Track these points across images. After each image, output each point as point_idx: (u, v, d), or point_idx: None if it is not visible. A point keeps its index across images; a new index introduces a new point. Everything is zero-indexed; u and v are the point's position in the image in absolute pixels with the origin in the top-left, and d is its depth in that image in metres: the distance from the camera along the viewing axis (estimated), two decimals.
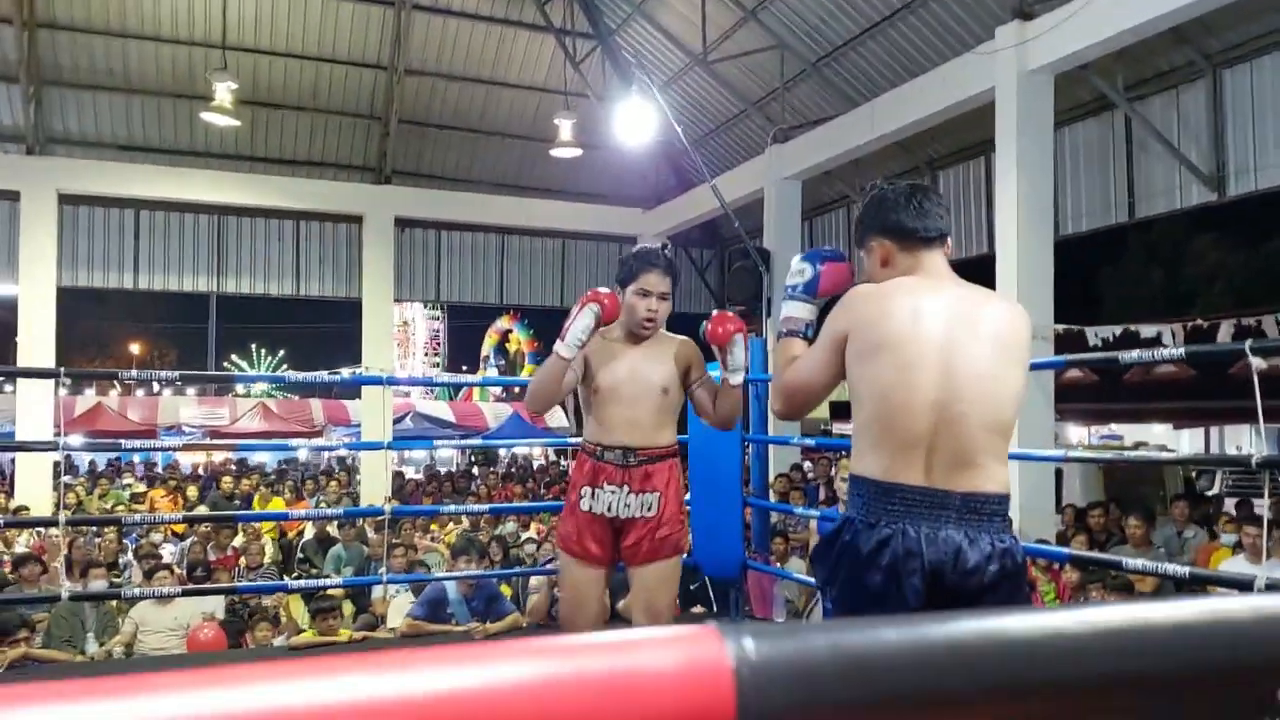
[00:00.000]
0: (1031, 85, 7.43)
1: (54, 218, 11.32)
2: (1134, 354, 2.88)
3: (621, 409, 2.91)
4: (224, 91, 9.92)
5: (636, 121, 10.11)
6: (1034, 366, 6.53)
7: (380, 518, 7.34)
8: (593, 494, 2.93)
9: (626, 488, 2.90)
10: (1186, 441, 15.81)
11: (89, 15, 10.84)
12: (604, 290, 2.84)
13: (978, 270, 10.35)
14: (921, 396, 1.91)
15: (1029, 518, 6.85)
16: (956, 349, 1.93)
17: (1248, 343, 2.38)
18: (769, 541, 5.80)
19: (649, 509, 2.90)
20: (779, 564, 6.15)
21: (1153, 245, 24.72)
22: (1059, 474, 8.64)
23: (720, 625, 0.34)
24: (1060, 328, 7.81)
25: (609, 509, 2.92)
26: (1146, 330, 10.94)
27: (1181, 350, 2.77)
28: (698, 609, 5.51)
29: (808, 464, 10.62)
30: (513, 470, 16.26)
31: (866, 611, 1.92)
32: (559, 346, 2.81)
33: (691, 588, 5.61)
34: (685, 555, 3.32)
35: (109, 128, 11.77)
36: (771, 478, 7.93)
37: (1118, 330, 10.84)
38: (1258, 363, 2.35)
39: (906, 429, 1.92)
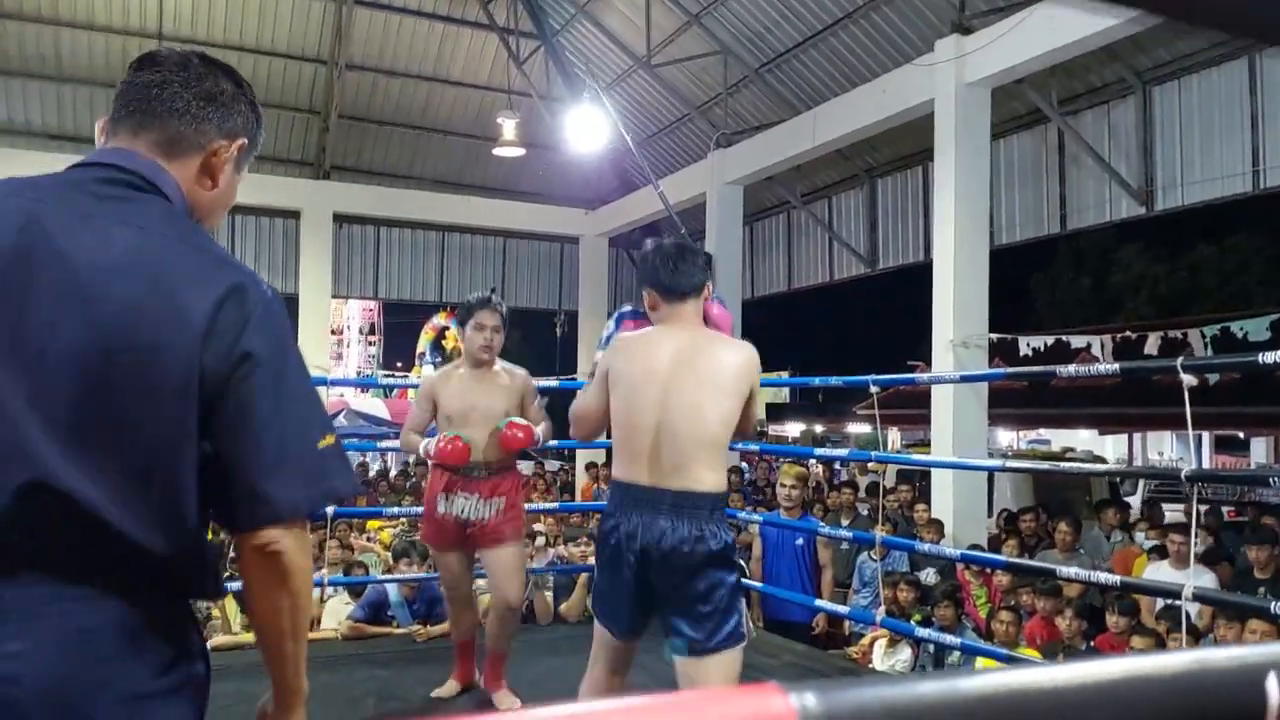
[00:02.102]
0: (969, 98, 7.60)
1: None
2: (1070, 368, 2.98)
3: (470, 432, 3.52)
4: None
5: (586, 127, 10.12)
6: (973, 378, 6.69)
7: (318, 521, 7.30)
8: (448, 499, 3.58)
9: (478, 495, 3.55)
10: (1111, 447, 16.31)
11: (20, 2, 10.50)
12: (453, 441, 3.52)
13: (915, 278, 10.59)
14: (646, 419, 2.49)
15: (962, 522, 7.02)
16: (674, 383, 2.50)
17: (1179, 360, 2.49)
18: None
19: (497, 511, 3.57)
20: None
21: (1080, 254, 25.45)
22: (990, 479, 8.86)
23: (779, 682, 0.37)
24: (994, 336, 8.00)
25: (461, 512, 3.56)
26: (1076, 340, 11.26)
27: (1116, 366, 2.88)
28: None
29: (745, 465, 10.73)
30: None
31: (603, 575, 2.60)
32: (423, 447, 3.62)
33: None
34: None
35: (39, 116, 11.42)
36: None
37: (1049, 340, 11.14)
38: (1188, 379, 2.46)
39: (636, 442, 2.51)
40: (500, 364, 3.70)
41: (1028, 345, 10.88)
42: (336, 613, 5.54)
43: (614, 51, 11.71)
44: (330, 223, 12.61)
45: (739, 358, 2.57)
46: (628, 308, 3.00)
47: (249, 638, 5.01)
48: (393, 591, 5.21)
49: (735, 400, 2.52)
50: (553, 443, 3.74)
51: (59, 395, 1.15)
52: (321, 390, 12.38)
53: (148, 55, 1.36)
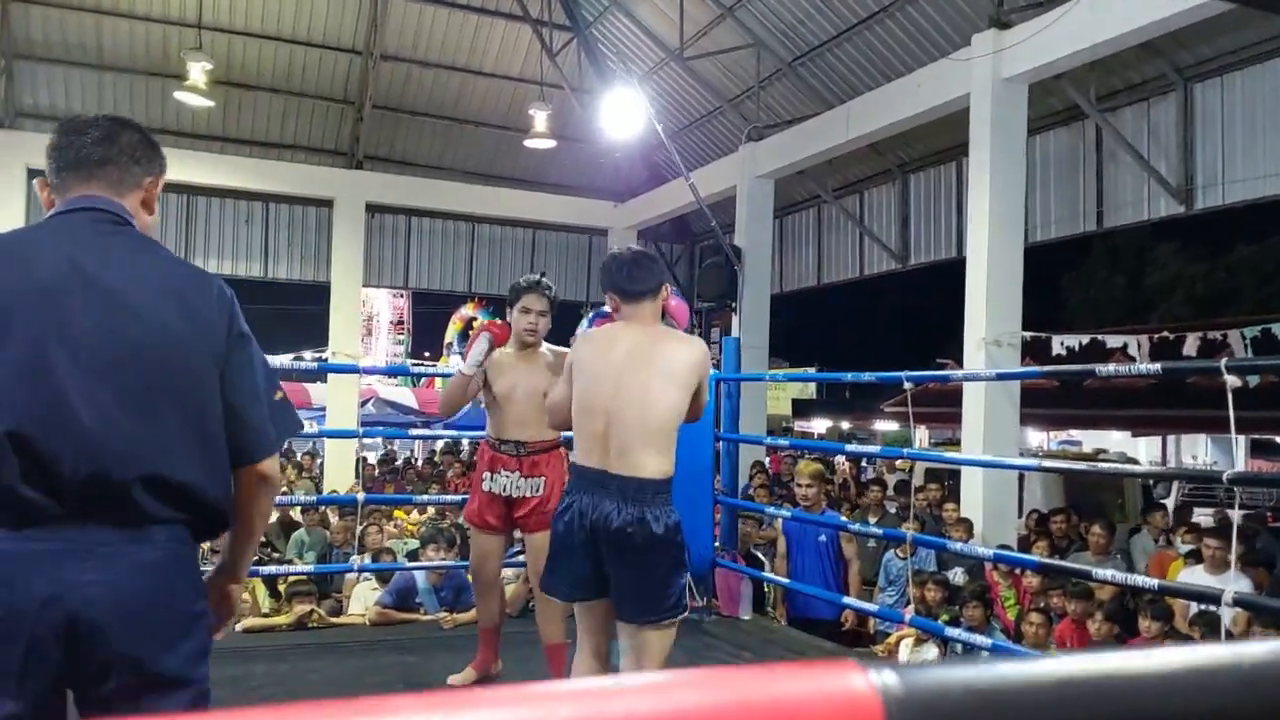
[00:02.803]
0: (1006, 93, 7.52)
1: (23, 193, 11.11)
2: (1110, 368, 2.94)
3: (513, 410, 3.67)
4: (198, 72, 9.77)
5: (620, 116, 10.10)
6: (1009, 376, 6.63)
7: (344, 505, 7.37)
8: (491, 478, 3.71)
9: (518, 473, 3.67)
10: (1144, 449, 16.12)
11: None
12: (498, 322, 3.72)
13: (946, 275, 10.50)
14: (598, 406, 2.73)
15: (991, 522, 6.96)
16: (625, 376, 2.72)
17: (1223, 361, 2.45)
18: (737, 539, 5.84)
19: (536, 490, 3.68)
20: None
21: (1115, 253, 25.12)
22: (1020, 479, 8.78)
23: (858, 659, 0.36)
24: (1027, 335, 7.91)
25: (504, 490, 3.69)
26: (1112, 340, 11.11)
27: (1158, 366, 2.84)
28: None
29: (767, 461, 10.70)
30: (475, 460, 16.13)
31: (553, 546, 2.84)
32: (461, 366, 3.74)
33: None
34: None
35: (80, 103, 11.55)
36: (746, 476, 7.98)
37: (1084, 339, 11.00)
38: (1232, 380, 2.42)
39: (589, 429, 2.74)
40: (545, 345, 3.82)
41: (1061, 344, 10.75)
42: (364, 598, 5.58)
43: (646, 44, 11.68)
44: (363, 212, 12.69)
45: (688, 353, 2.82)
46: (603, 309, 3.22)
47: (280, 620, 5.06)
48: (420, 578, 5.24)
49: (683, 392, 2.76)
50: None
51: (126, 377, 1.55)
52: (352, 378, 12.45)
53: (71, 122, 1.73)
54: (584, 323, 3.28)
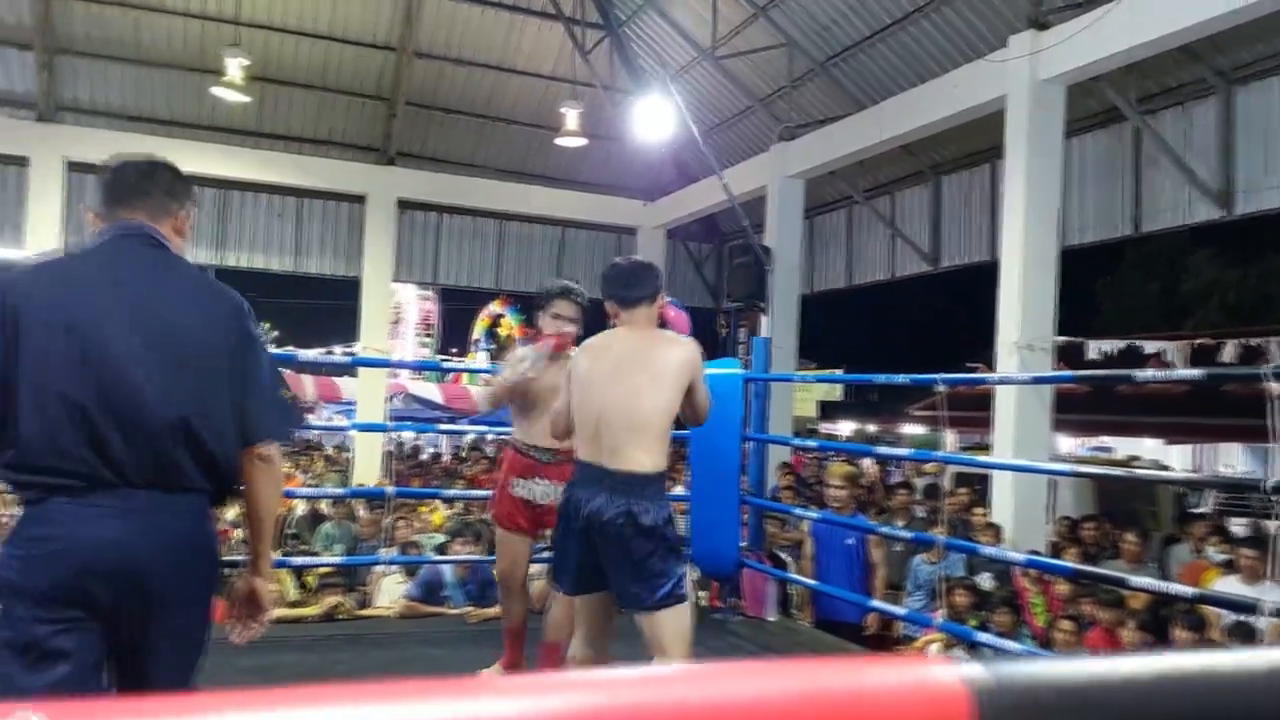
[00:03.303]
0: (1043, 95, 7.44)
1: (61, 185, 11.28)
2: (1149, 373, 2.89)
3: (541, 416, 3.62)
4: (235, 67, 9.87)
5: (653, 115, 10.09)
6: (1045, 380, 6.55)
7: (373, 499, 7.42)
8: (522, 483, 3.73)
9: (549, 480, 3.67)
10: (1177, 457, 15.90)
11: None
12: (568, 331, 3.75)
13: (978, 278, 10.41)
14: (592, 408, 2.90)
15: (1021, 528, 6.89)
16: (617, 378, 2.88)
17: (1266, 368, 2.41)
18: (764, 540, 5.81)
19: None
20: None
21: (1150, 258, 24.80)
22: (1051, 485, 8.68)
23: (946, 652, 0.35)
24: (1061, 340, 7.82)
25: (537, 497, 3.70)
26: (1149, 346, 10.97)
27: (1199, 372, 2.79)
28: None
29: (793, 463, 10.64)
30: (500, 455, 16.22)
31: (557, 539, 3.03)
32: (527, 369, 3.69)
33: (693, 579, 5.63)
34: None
35: (119, 98, 11.72)
36: (775, 477, 7.94)
37: (1120, 345, 10.87)
38: (1275, 388, 2.38)
39: (584, 427, 2.92)
40: (575, 350, 3.79)
41: (1097, 350, 10.63)
42: (391, 591, 5.62)
43: (679, 43, 11.67)
44: (394, 208, 12.77)
45: (679, 354, 2.95)
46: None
47: (309, 611, 5.10)
48: (447, 572, 5.26)
49: (674, 392, 2.90)
50: None
51: (175, 370, 1.91)
52: (381, 373, 12.50)
53: (119, 162, 2.12)
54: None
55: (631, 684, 0.40)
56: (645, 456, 2.85)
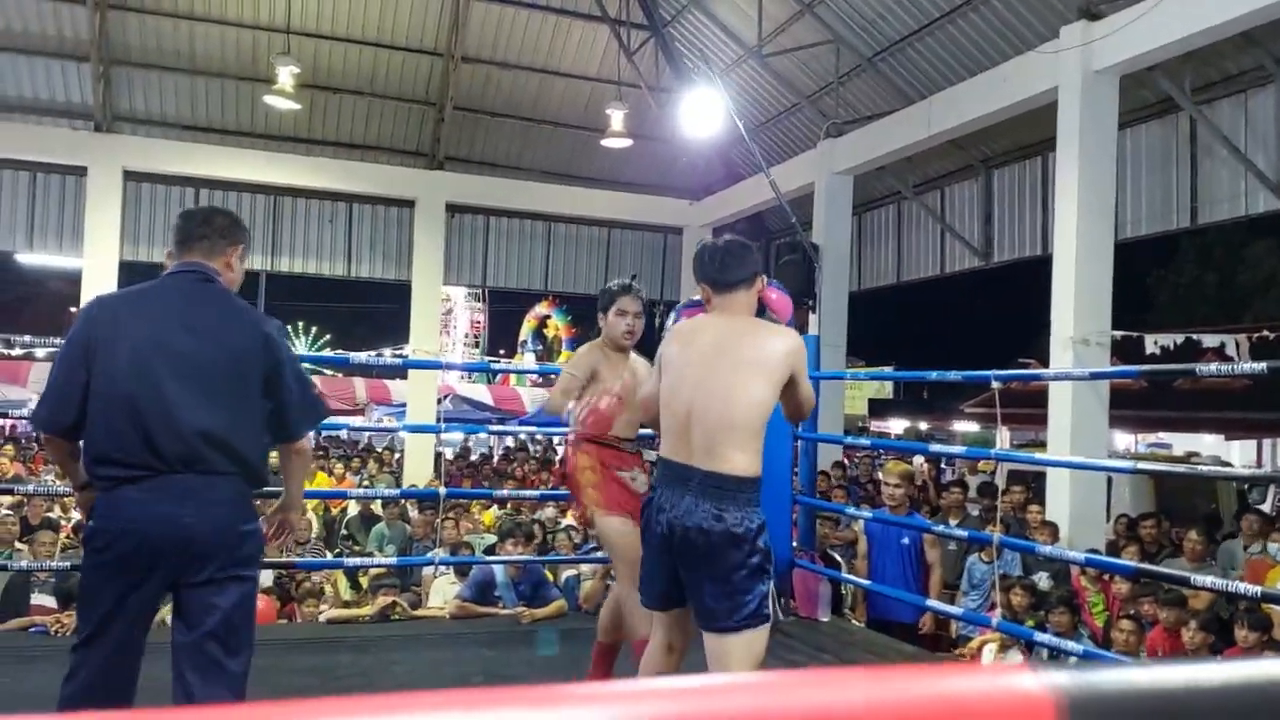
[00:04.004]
0: (1096, 86, 7.32)
1: (119, 193, 11.58)
2: (1211, 367, 2.83)
3: (629, 411, 3.56)
4: (286, 75, 10.04)
5: (700, 114, 10.07)
6: (1103, 375, 6.43)
7: (424, 500, 7.50)
8: (631, 475, 3.60)
9: (642, 472, 3.64)
10: (1238, 453, 15.53)
11: None
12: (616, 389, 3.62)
13: (1030, 272, 10.26)
14: (682, 401, 2.64)
15: (1078, 527, 6.78)
16: (710, 369, 2.62)
17: None
18: (815, 540, 5.78)
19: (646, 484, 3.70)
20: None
21: (1207, 249, 24.25)
22: (1108, 482, 8.53)
23: (1029, 660, 0.36)
24: (1118, 334, 7.68)
25: (638, 485, 3.60)
26: (1208, 339, 10.72)
27: (1263, 365, 2.72)
28: None
29: (846, 462, 10.56)
30: (549, 455, 16.31)
31: (643, 544, 2.83)
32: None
33: None
34: None
35: (174, 107, 11.97)
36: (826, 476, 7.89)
37: (1178, 338, 10.64)
38: None
39: (672, 422, 2.67)
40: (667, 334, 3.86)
41: (1155, 344, 10.41)
42: (443, 591, 5.67)
43: (724, 41, 11.65)
44: (443, 212, 12.90)
45: (779, 344, 2.68)
46: (690, 300, 3.19)
47: (363, 611, 5.17)
48: (499, 572, 5.29)
49: (770, 385, 2.62)
50: (650, 431, 3.76)
51: (206, 384, 2.35)
52: (432, 375, 12.65)
53: (186, 212, 2.65)
54: (672, 314, 3.25)
55: (709, 692, 0.40)
56: (741, 457, 2.55)
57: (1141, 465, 4.96)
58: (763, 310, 2.91)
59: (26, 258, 14.85)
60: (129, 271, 12.12)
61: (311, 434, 2.68)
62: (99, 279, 11.29)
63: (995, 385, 4.09)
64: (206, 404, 2.32)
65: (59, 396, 2.38)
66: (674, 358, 2.74)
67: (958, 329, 27.88)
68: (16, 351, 24.54)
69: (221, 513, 2.33)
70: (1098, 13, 7.30)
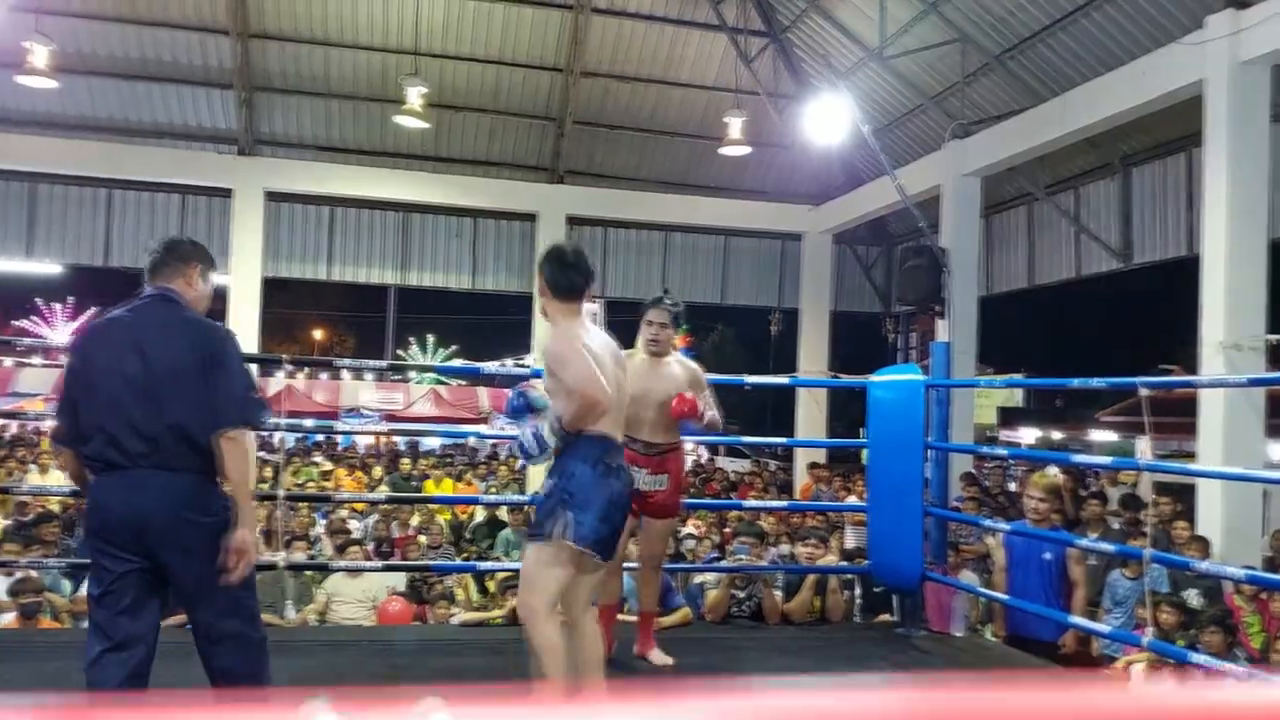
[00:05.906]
0: (1245, 77, 6.95)
1: (261, 213, 12.18)
2: None
3: (640, 412, 3.89)
4: (415, 95, 10.38)
5: (824, 119, 9.95)
6: (1262, 382, 6.08)
7: None
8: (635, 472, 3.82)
9: (647, 470, 3.94)
10: None
11: (296, 25, 11.59)
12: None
13: (1174, 274, 9.76)
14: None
15: (1231, 542, 6.42)
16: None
17: None
18: (947, 553, 5.62)
19: (661, 485, 4.02)
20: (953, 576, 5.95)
21: None
22: (1264, 495, 8.02)
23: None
24: (1273, 338, 7.24)
25: (634, 484, 3.73)
26: None
27: None
28: (885, 616, 5.41)
29: (976, 472, 10.23)
30: None
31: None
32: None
33: (875, 590, 5.52)
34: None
35: (310, 130, 12.54)
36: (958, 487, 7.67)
37: None
38: None
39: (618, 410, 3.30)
40: (675, 356, 4.18)
41: None
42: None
43: (844, 44, 11.49)
44: (563, 224, 13.10)
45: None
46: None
47: (494, 614, 5.28)
48: (627, 580, 5.31)
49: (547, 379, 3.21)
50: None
51: (154, 394, 2.74)
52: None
53: (154, 245, 3.04)
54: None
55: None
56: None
57: None
58: None
59: None
60: (270, 286, 12.74)
61: (251, 434, 2.91)
62: (244, 295, 11.90)
63: (1144, 392, 3.90)
64: (156, 412, 2.72)
65: (60, 416, 2.94)
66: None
67: (1092, 334, 26.70)
68: None
69: (181, 501, 2.73)
70: (1246, 1, 6.92)
